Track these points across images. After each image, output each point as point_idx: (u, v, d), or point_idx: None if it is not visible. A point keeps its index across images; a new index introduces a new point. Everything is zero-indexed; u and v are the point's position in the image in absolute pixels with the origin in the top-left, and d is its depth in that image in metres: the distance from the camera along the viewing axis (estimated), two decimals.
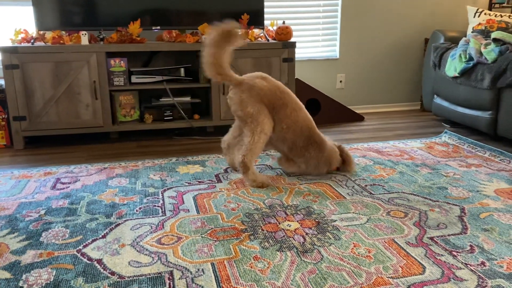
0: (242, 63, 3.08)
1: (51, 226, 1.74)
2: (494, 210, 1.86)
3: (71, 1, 2.93)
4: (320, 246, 1.57)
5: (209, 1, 3.13)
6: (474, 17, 3.44)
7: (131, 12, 3.01)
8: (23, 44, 2.87)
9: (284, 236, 1.64)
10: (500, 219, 1.77)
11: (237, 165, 2.16)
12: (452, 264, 1.44)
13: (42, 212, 1.87)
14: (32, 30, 2.97)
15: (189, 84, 3.10)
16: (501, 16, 3.35)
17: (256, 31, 3.28)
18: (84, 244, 1.59)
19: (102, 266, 1.45)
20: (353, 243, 1.59)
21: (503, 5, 3.97)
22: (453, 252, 1.52)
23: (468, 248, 1.55)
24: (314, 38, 3.80)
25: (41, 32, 2.92)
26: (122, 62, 2.93)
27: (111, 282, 1.36)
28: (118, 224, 1.75)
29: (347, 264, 1.45)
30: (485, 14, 3.39)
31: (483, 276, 1.37)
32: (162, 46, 3.00)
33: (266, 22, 3.35)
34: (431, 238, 1.61)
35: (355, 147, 2.81)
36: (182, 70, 3.13)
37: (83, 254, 1.52)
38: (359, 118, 3.70)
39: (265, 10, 3.39)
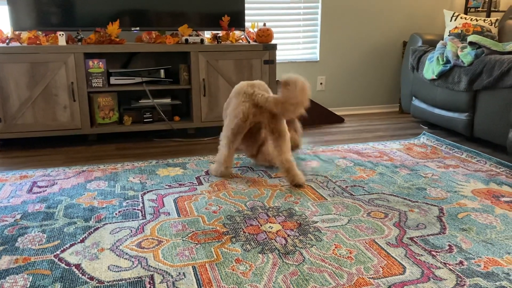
0: (223, 65, 3.07)
1: (27, 231, 1.69)
2: (472, 210, 1.89)
3: (48, 1, 2.87)
4: (301, 247, 1.57)
5: (189, 3, 3.11)
6: (450, 21, 3.51)
7: (110, 12, 2.97)
8: None
9: (266, 238, 1.64)
10: (477, 219, 1.80)
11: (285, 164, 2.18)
12: (431, 264, 1.46)
13: (18, 216, 1.82)
14: (7, 30, 2.90)
15: (169, 86, 3.08)
16: (477, 20, 3.43)
17: (237, 33, 3.27)
18: (62, 249, 1.56)
19: (81, 271, 1.42)
20: (335, 244, 1.60)
21: (478, 9, 4.06)
22: (432, 252, 1.54)
23: (447, 247, 1.57)
24: (294, 40, 3.82)
25: (17, 32, 2.86)
26: (100, 63, 2.88)
27: (90, 287, 1.34)
28: (97, 228, 1.72)
29: (329, 265, 1.46)
30: (461, 18, 3.46)
31: (461, 275, 1.40)
32: (141, 47, 2.97)
33: (247, 24, 3.35)
34: (411, 238, 1.63)
35: (336, 149, 2.83)
36: (162, 71, 3.10)
37: (60, 259, 1.49)
38: (339, 120, 3.73)
39: (246, 12, 3.39)
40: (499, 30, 3.45)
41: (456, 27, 3.42)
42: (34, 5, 2.85)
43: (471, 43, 2.99)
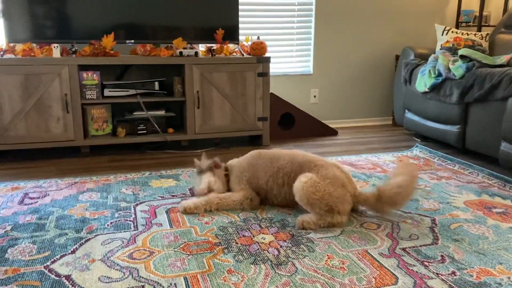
0: (217, 77, 3.09)
1: (18, 242, 1.67)
2: (464, 221, 1.89)
3: (43, 13, 2.89)
4: (294, 258, 1.56)
5: (184, 16, 3.14)
6: (442, 35, 3.56)
7: (104, 25, 2.99)
8: None
9: (258, 249, 1.63)
10: (470, 230, 1.80)
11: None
12: (424, 274, 1.46)
13: (8, 228, 1.80)
14: (2, 42, 2.91)
15: (163, 98, 3.08)
16: (468, 34, 3.48)
17: (231, 46, 3.30)
18: (52, 260, 1.54)
19: (71, 282, 1.40)
20: (327, 255, 1.59)
21: (469, 24, 4.12)
22: (425, 262, 1.53)
23: (439, 258, 1.57)
24: (288, 53, 3.86)
25: (11, 44, 2.86)
26: (94, 75, 2.89)
27: None
28: (89, 239, 1.70)
29: (321, 276, 1.45)
30: (452, 32, 3.51)
31: (453, 285, 1.39)
32: (136, 60, 2.98)
33: (241, 38, 3.38)
34: (403, 249, 1.63)
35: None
36: (156, 83, 3.11)
37: (50, 270, 1.47)
38: (332, 132, 3.74)
39: (240, 25, 3.42)
40: (490, 44, 3.50)
41: (447, 41, 3.47)
42: (28, 18, 2.86)
43: (462, 57, 3.03)
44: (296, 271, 1.48)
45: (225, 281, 1.42)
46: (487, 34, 3.52)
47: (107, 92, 2.97)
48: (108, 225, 1.83)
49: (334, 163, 1.99)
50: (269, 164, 2.02)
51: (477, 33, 3.51)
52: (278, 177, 1.98)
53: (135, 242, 1.68)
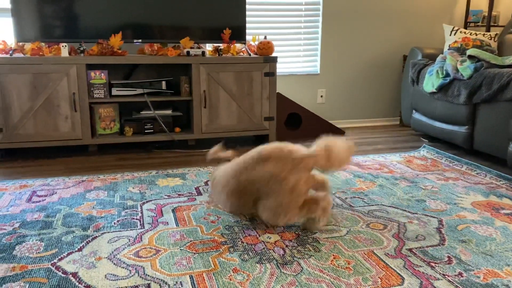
0: (224, 77, 3.10)
1: (25, 239, 1.69)
2: (471, 222, 1.88)
3: (51, 13, 2.91)
4: (300, 258, 1.56)
5: (191, 16, 3.15)
6: (450, 35, 3.54)
7: (112, 24, 3.01)
8: (1, 55, 2.83)
9: (264, 248, 1.63)
10: (477, 231, 1.79)
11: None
12: (430, 275, 1.45)
13: (16, 225, 1.82)
14: (11, 41, 2.94)
15: (170, 97, 3.10)
16: (476, 35, 3.46)
17: (238, 45, 3.30)
18: (59, 257, 1.55)
19: (78, 279, 1.41)
20: (333, 255, 1.59)
21: (478, 24, 4.10)
22: (431, 263, 1.53)
23: (446, 259, 1.56)
24: (295, 53, 3.85)
25: (20, 44, 2.89)
26: (102, 74, 2.91)
27: None
28: (95, 237, 1.71)
29: (327, 275, 1.45)
30: (460, 32, 3.49)
31: (460, 287, 1.39)
32: (143, 59, 3.00)
33: (248, 37, 3.38)
34: (410, 250, 1.62)
35: None
36: (164, 83, 3.13)
37: (57, 268, 1.48)
38: (339, 132, 3.74)
39: (247, 25, 3.42)
40: (499, 45, 3.47)
41: (455, 41, 3.45)
42: (37, 17, 2.89)
43: (470, 57, 3.01)
44: (301, 270, 1.48)
45: (230, 280, 1.42)
46: (496, 34, 3.49)
47: (114, 91, 2.98)
48: (114, 223, 1.84)
49: (262, 149, 1.77)
50: (219, 184, 1.89)
51: (485, 33, 3.49)
52: (238, 190, 1.79)
53: (141, 240, 1.69)
